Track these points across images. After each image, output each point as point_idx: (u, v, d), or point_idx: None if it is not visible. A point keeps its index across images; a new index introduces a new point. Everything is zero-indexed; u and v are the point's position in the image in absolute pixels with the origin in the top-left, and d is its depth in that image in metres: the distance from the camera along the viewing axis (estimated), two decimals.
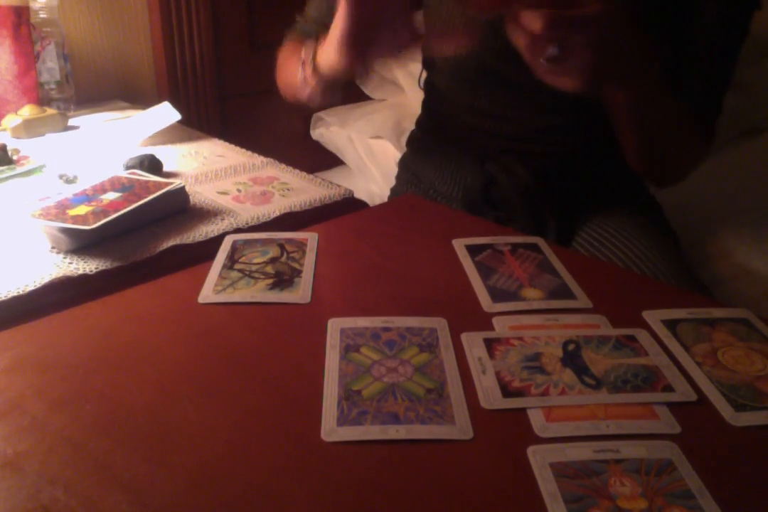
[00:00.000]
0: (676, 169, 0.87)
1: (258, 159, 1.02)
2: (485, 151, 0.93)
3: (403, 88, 1.78)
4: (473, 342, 0.53)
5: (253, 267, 0.64)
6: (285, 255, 0.66)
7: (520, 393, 0.47)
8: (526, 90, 0.85)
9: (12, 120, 1.06)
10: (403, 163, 1.10)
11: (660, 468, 0.41)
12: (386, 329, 0.54)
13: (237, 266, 0.64)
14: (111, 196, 0.77)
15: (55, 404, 0.46)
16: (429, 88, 1.02)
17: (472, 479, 0.41)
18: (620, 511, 0.38)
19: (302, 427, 0.44)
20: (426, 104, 1.04)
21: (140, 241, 0.74)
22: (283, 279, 0.62)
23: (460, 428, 0.44)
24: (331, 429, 0.44)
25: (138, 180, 0.82)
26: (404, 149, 1.11)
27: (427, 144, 1.04)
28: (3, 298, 0.63)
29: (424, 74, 1.02)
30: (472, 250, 0.68)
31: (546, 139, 0.90)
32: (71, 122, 1.16)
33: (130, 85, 1.48)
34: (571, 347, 0.52)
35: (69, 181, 0.89)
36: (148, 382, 0.48)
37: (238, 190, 0.89)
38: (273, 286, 0.61)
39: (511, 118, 0.90)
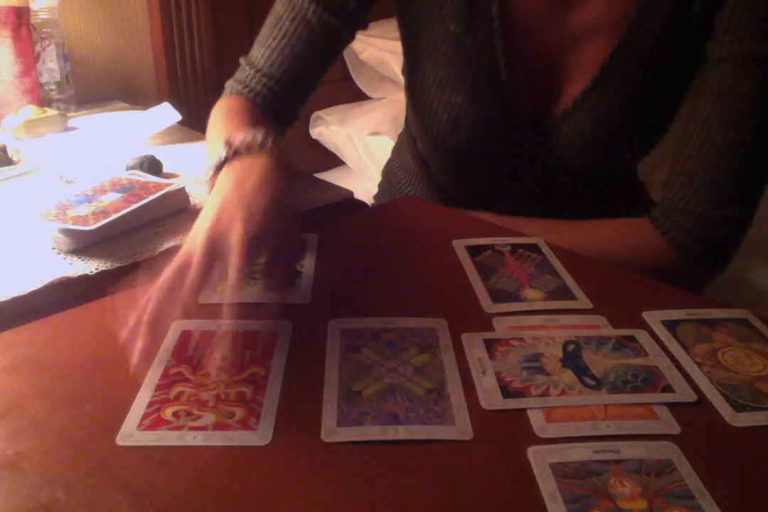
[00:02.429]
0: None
1: None
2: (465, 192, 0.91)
3: (403, 84, 1.78)
4: (473, 343, 0.53)
5: (254, 268, 0.64)
6: None
7: (520, 393, 0.47)
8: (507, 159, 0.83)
9: (12, 120, 1.06)
10: (385, 175, 1.08)
11: (660, 468, 0.41)
12: (386, 329, 0.54)
13: None
14: (111, 196, 0.77)
15: (55, 404, 0.46)
16: (410, 98, 0.95)
17: (472, 479, 0.41)
18: (620, 511, 0.38)
19: (302, 427, 0.44)
20: (407, 119, 0.99)
21: (140, 242, 0.74)
22: None
23: (460, 428, 0.44)
24: (331, 429, 0.44)
25: (138, 181, 0.82)
26: None
27: (406, 160, 1.00)
28: (3, 299, 0.63)
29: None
30: (472, 251, 0.68)
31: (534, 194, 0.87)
32: (71, 123, 1.16)
33: (130, 86, 1.48)
34: (571, 348, 0.52)
35: (69, 181, 0.89)
36: None
37: None
38: None
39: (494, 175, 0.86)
